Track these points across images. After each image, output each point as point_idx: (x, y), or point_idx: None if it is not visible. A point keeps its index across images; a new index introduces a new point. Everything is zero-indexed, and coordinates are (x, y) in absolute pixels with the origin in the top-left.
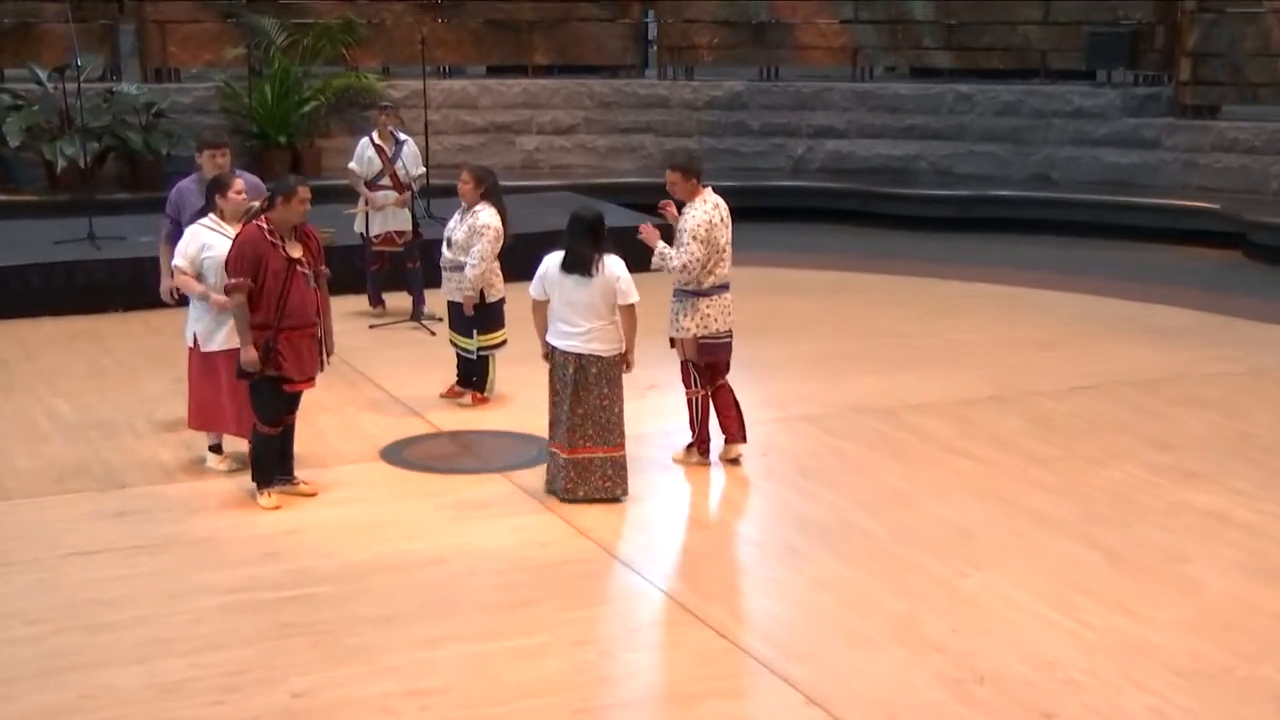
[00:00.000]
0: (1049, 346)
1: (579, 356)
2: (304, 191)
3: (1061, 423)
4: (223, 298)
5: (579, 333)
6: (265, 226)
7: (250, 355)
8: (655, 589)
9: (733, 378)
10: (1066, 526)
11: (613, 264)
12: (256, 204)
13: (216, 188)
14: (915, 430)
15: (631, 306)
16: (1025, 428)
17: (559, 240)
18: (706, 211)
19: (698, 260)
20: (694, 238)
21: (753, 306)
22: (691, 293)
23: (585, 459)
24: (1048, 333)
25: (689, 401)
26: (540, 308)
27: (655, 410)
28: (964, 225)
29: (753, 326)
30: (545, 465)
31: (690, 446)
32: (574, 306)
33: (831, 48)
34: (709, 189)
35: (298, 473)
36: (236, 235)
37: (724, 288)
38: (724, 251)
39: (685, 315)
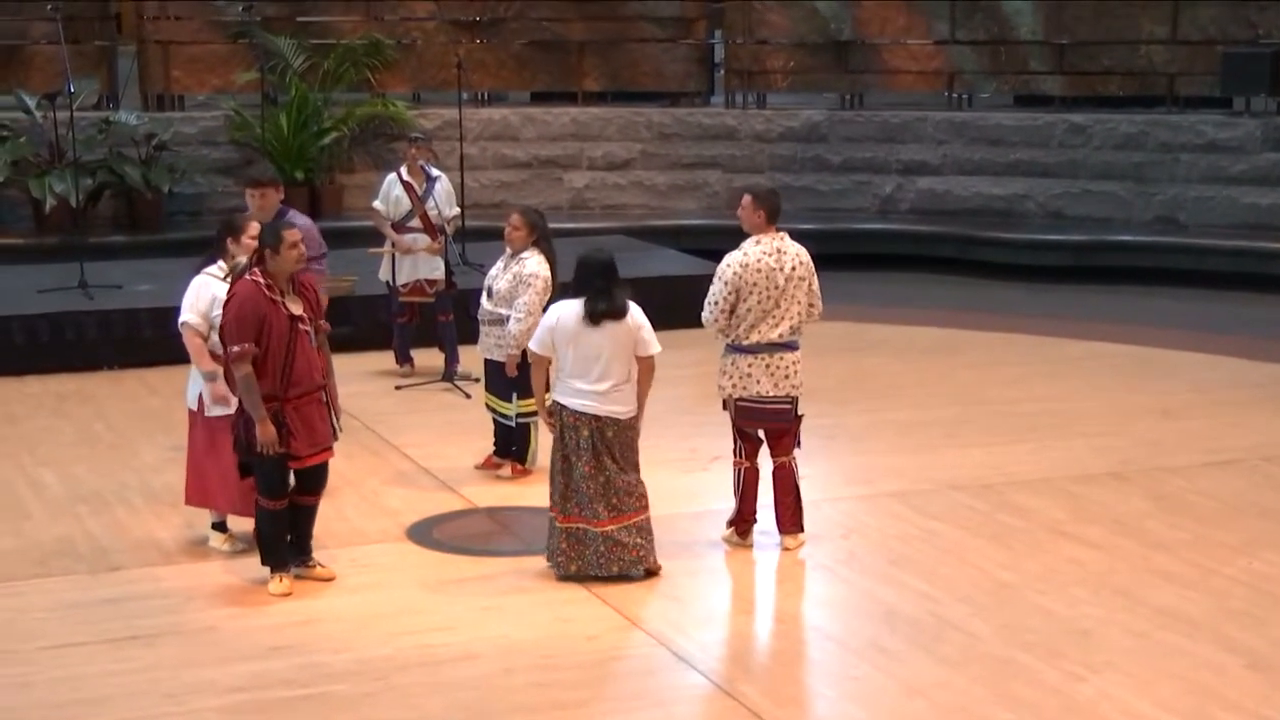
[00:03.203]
0: (1177, 415)
1: (595, 418)
2: (290, 235)
3: (1192, 504)
4: (213, 365)
5: (597, 392)
6: (262, 281)
7: (270, 433)
8: (719, 690)
9: (809, 448)
10: (1199, 625)
11: (633, 310)
12: (243, 259)
13: (229, 230)
14: (1021, 511)
15: (652, 359)
16: (1150, 509)
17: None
18: (746, 252)
19: (715, 303)
20: (719, 276)
21: (834, 367)
22: (733, 347)
23: (613, 530)
24: (1176, 399)
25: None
26: (542, 364)
27: (720, 485)
28: (1078, 275)
29: (834, 390)
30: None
31: (730, 522)
32: (591, 361)
33: (924, 71)
34: (781, 234)
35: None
36: (229, 293)
37: (783, 347)
38: (779, 306)
39: (724, 372)
